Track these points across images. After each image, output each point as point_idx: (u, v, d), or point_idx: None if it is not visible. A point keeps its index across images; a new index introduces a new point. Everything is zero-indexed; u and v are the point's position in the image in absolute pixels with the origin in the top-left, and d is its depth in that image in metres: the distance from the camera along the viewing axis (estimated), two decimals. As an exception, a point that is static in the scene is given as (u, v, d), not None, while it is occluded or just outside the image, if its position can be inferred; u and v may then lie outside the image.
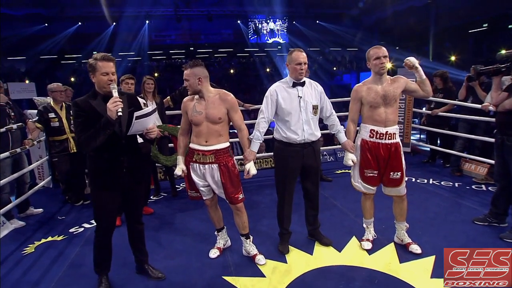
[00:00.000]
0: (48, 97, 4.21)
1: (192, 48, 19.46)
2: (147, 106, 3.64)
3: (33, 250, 2.96)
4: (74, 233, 3.28)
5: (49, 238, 3.18)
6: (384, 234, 2.89)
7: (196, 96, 2.43)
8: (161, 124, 3.85)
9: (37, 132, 3.90)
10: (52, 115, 3.91)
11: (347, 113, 2.74)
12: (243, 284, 2.32)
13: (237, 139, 3.02)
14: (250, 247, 2.65)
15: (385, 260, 2.55)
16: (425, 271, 2.37)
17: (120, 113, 1.95)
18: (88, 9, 15.56)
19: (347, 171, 4.77)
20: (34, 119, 3.97)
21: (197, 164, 2.45)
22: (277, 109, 2.58)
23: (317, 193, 2.79)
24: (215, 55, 20.04)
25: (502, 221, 2.98)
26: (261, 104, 2.63)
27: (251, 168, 2.45)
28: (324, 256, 2.65)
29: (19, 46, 15.10)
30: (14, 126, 3.47)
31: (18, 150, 3.44)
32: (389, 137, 2.52)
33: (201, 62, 2.39)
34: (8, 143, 3.42)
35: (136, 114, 2.01)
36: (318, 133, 2.65)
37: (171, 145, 4.16)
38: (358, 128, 2.69)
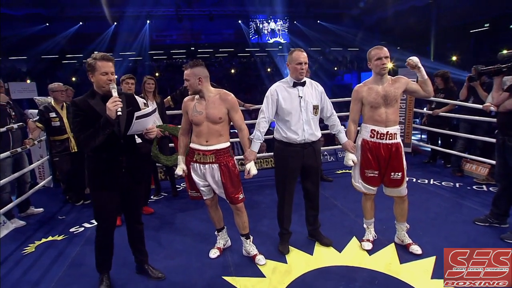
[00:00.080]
0: (49, 97, 4.22)
1: (193, 48, 19.48)
2: (148, 106, 3.64)
3: (34, 249, 2.96)
4: (75, 232, 3.29)
5: (50, 238, 3.18)
6: (384, 234, 2.88)
7: (197, 96, 2.43)
8: (162, 124, 3.85)
9: (38, 131, 3.91)
10: (53, 114, 3.91)
11: (348, 113, 2.74)
12: (243, 284, 2.32)
13: (237, 139, 3.02)
14: (250, 247, 2.65)
15: (386, 261, 2.54)
16: (426, 271, 2.37)
17: (119, 113, 1.95)
18: (88, 9, 15.57)
19: (347, 171, 4.76)
20: (35, 119, 3.98)
21: (197, 164, 2.45)
22: (277, 109, 2.58)
23: (317, 193, 2.79)
24: (216, 55, 20.05)
25: (503, 221, 2.97)
26: (262, 104, 2.63)
27: (251, 168, 2.45)
28: (324, 257, 2.64)
29: (20, 46, 15.14)
30: (15, 125, 3.47)
31: (19, 149, 3.44)
32: (390, 137, 2.52)
33: (202, 62, 2.39)
34: (8, 142, 3.43)
35: (137, 114, 2.01)
36: (318, 133, 2.64)
37: (171, 145, 4.16)
38: (358, 128, 2.68)
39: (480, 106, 3.94)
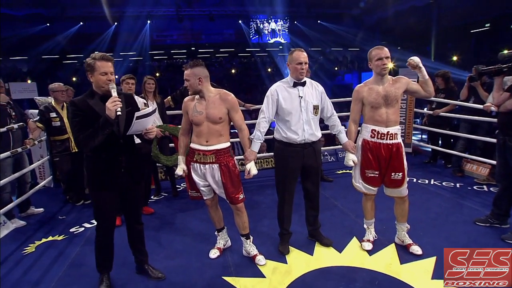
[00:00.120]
0: (49, 97, 4.22)
1: (194, 48, 19.47)
2: (148, 106, 3.64)
3: (34, 249, 2.96)
4: (75, 232, 3.29)
5: (50, 238, 3.18)
6: (384, 234, 2.88)
7: (197, 96, 2.43)
8: (162, 124, 3.86)
9: (38, 131, 3.91)
10: (53, 114, 3.92)
11: (349, 113, 2.73)
12: (243, 285, 2.32)
13: (237, 139, 3.01)
14: (250, 248, 2.64)
15: (386, 261, 2.54)
16: (426, 272, 2.36)
17: (119, 113, 1.95)
18: (89, 9, 15.57)
19: (348, 171, 4.76)
20: (35, 119, 3.98)
21: (197, 164, 2.45)
22: (277, 109, 2.57)
23: (318, 193, 2.78)
24: (217, 55, 20.04)
25: (504, 222, 2.97)
26: (262, 104, 2.62)
27: (251, 168, 2.45)
28: (324, 257, 2.64)
29: (21, 46, 15.14)
30: (15, 125, 3.47)
31: (19, 149, 3.44)
32: (391, 137, 2.51)
33: (202, 62, 2.39)
34: (9, 142, 3.43)
35: (137, 114, 2.01)
36: (318, 134, 2.64)
37: (172, 145, 4.16)
38: (359, 128, 2.68)
39: (480, 106, 3.94)
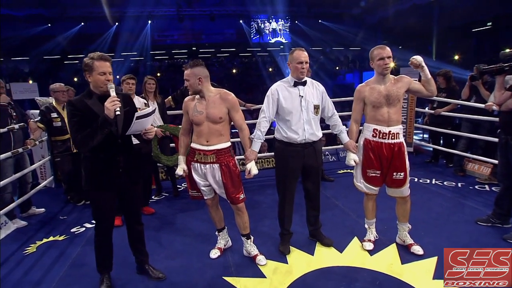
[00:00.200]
0: (50, 97, 4.23)
1: (195, 48, 19.49)
2: (148, 106, 3.64)
3: (35, 249, 2.97)
4: (76, 233, 3.29)
5: (51, 238, 3.18)
6: (386, 234, 2.87)
7: (197, 96, 2.43)
8: (163, 124, 3.86)
9: (39, 132, 3.92)
10: (54, 115, 3.93)
11: (351, 112, 2.73)
12: (243, 285, 2.32)
13: (238, 139, 3.01)
14: (251, 248, 2.64)
15: (387, 261, 2.53)
16: (427, 272, 2.36)
17: (118, 113, 1.95)
18: (90, 10, 15.59)
19: (349, 171, 4.75)
20: (36, 119, 3.99)
21: (198, 164, 2.45)
22: (278, 108, 2.57)
23: (318, 193, 2.78)
24: (218, 55, 20.06)
25: (506, 221, 2.96)
26: (263, 104, 2.62)
27: (252, 168, 2.44)
28: (325, 257, 2.63)
29: (22, 46, 15.18)
30: (16, 126, 3.48)
31: (20, 150, 3.45)
32: (392, 137, 2.50)
33: (202, 62, 2.38)
34: (10, 143, 3.43)
35: (137, 114, 2.01)
36: (319, 133, 2.63)
37: (172, 145, 4.16)
38: (361, 128, 2.67)
39: (482, 106, 3.93)
